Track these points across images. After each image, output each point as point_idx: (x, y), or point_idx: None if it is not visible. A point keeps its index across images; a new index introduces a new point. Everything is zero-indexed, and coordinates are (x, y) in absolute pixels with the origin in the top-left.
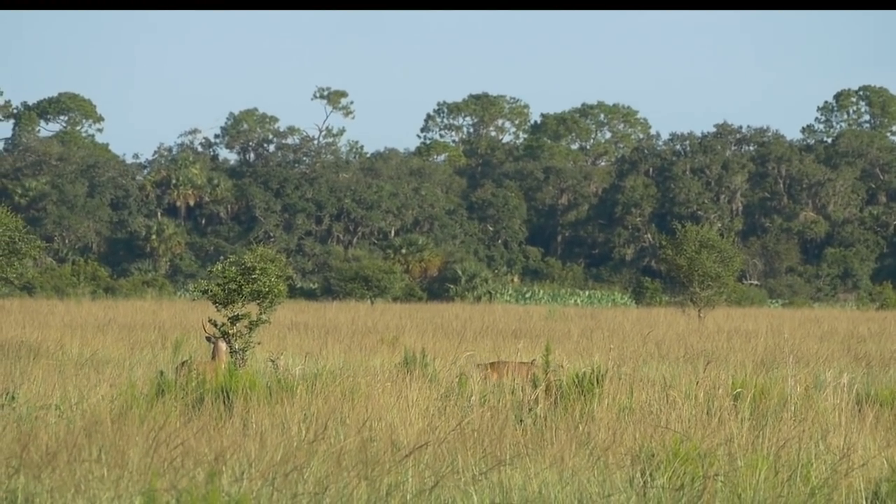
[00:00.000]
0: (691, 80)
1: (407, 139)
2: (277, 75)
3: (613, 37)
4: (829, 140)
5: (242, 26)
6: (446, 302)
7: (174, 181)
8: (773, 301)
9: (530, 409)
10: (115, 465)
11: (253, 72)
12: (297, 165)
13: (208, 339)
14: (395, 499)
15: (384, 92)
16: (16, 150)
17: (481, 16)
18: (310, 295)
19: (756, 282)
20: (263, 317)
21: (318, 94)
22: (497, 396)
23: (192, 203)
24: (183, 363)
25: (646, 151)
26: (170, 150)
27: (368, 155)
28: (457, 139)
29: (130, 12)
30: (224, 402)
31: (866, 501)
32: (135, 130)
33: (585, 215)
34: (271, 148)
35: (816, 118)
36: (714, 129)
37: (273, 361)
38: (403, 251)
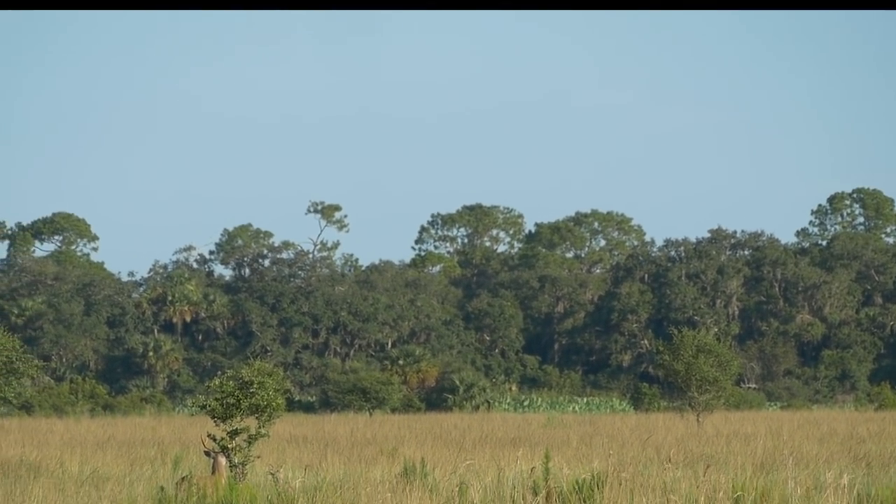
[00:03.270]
0: (685, 185)
1: (401, 251)
2: (271, 191)
3: (606, 145)
4: (824, 243)
5: (236, 142)
6: (444, 412)
7: (170, 298)
8: (772, 404)
9: None
10: None
11: (246, 188)
12: (292, 280)
13: (207, 453)
14: None
15: (378, 205)
16: (11, 270)
17: (474, 126)
18: (308, 408)
19: (754, 385)
20: (262, 430)
21: (311, 209)
22: None
23: (188, 319)
24: (183, 479)
25: (640, 258)
26: (165, 267)
27: (363, 268)
28: (451, 250)
29: (124, 131)
30: None
31: None
32: (130, 248)
33: (582, 323)
34: (266, 263)
35: (811, 221)
36: (708, 235)
37: (273, 475)
38: (401, 362)
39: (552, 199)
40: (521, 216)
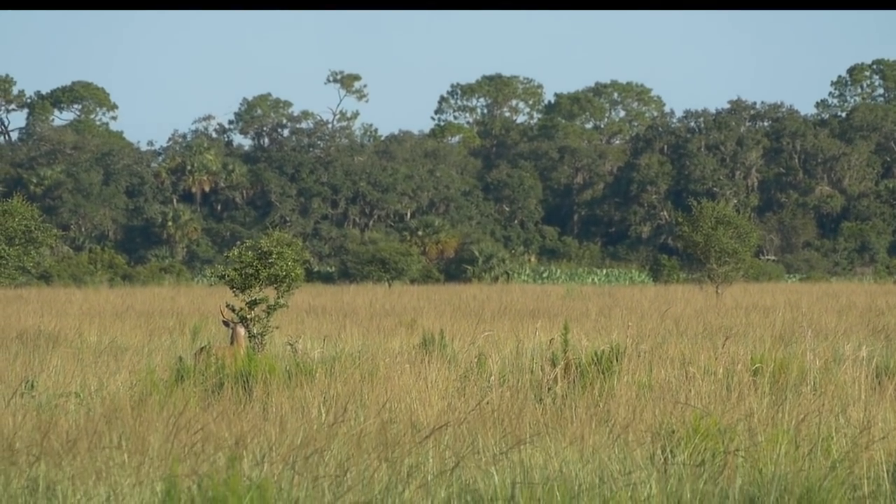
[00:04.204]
0: (704, 57)
1: (421, 121)
2: (290, 60)
3: (625, 15)
4: (844, 114)
5: (255, 12)
6: (464, 283)
7: (189, 168)
8: (791, 276)
9: (549, 388)
10: (136, 451)
11: (266, 57)
12: (311, 150)
13: (226, 323)
14: (415, 480)
15: (397, 75)
16: (30, 139)
17: None
18: (327, 278)
19: (773, 257)
20: (281, 301)
21: (331, 78)
22: (516, 376)
23: (207, 189)
24: (202, 349)
25: (660, 129)
26: (184, 136)
27: (383, 138)
28: (471, 120)
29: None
30: (243, 387)
31: (887, 474)
32: (149, 118)
33: (601, 194)
34: (286, 133)
35: (830, 93)
36: (728, 106)
37: (292, 345)
38: (420, 233)
39: (572, 70)
40: (540, 86)
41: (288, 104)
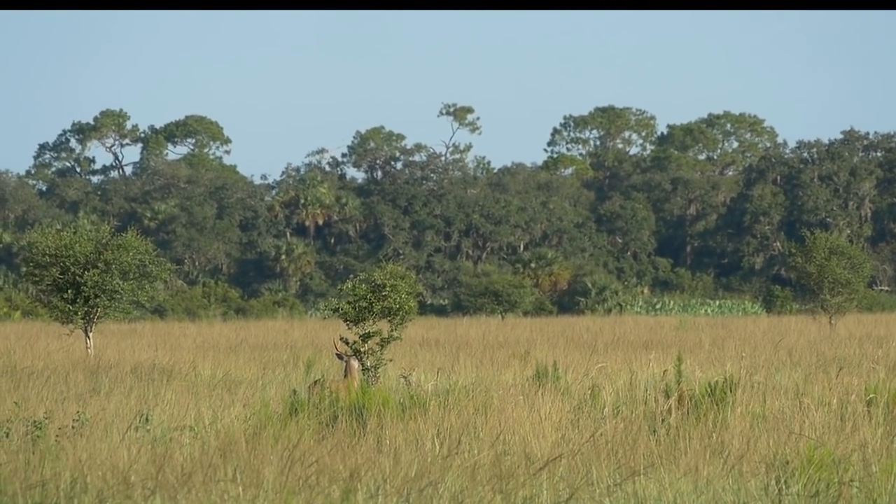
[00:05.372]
0: (817, 87)
1: (534, 153)
2: (403, 93)
3: (739, 46)
4: None
5: (367, 44)
6: (576, 315)
7: (302, 201)
8: None
9: (663, 420)
10: (251, 484)
11: (379, 90)
12: (424, 182)
13: (340, 357)
14: None
15: (510, 107)
16: (144, 173)
17: (607, 27)
18: (440, 311)
19: (886, 287)
20: (394, 334)
21: (444, 111)
22: (630, 408)
23: (320, 222)
24: (315, 382)
25: (773, 160)
26: (297, 170)
27: (496, 170)
28: (584, 152)
29: (257, 33)
30: (357, 420)
31: None
32: (262, 152)
33: (714, 225)
34: (398, 165)
35: None
36: (841, 136)
37: (405, 378)
38: (533, 265)
39: (684, 101)
40: (653, 118)
41: (401, 137)
